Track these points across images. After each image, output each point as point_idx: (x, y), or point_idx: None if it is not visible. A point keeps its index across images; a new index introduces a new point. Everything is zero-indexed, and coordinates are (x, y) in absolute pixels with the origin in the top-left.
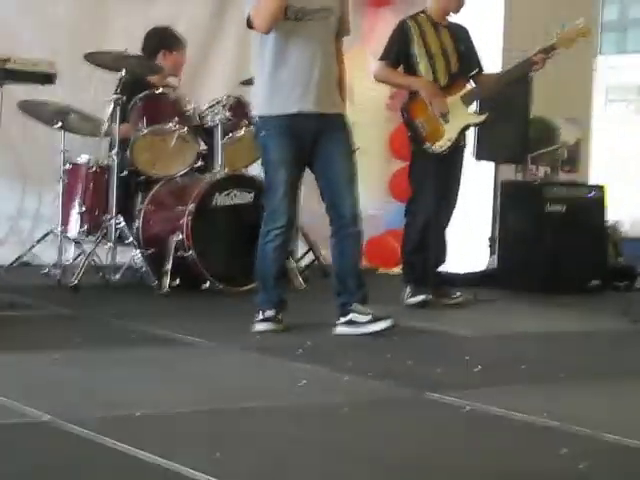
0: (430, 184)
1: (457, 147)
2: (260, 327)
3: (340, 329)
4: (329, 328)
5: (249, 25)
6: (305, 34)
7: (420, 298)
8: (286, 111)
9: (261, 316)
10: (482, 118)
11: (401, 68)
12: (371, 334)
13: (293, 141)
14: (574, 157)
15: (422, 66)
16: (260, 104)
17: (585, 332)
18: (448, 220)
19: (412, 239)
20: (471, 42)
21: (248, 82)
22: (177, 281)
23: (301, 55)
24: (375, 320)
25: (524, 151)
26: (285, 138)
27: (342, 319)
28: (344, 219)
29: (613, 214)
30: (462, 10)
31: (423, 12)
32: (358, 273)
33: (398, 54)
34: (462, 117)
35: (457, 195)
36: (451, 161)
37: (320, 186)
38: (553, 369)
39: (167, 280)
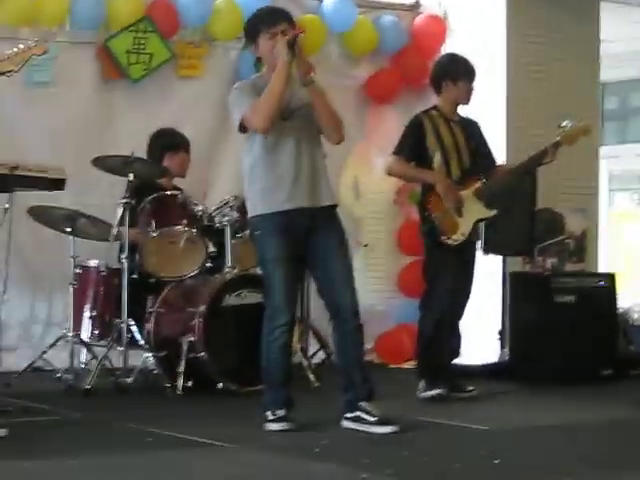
0: (445, 278)
1: (469, 241)
2: (273, 427)
3: (346, 423)
4: None
5: (241, 129)
6: (291, 132)
7: (435, 392)
8: (278, 209)
9: (272, 416)
10: (494, 212)
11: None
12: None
13: (288, 238)
14: (581, 247)
15: (436, 160)
16: (252, 204)
17: (602, 422)
18: (462, 313)
19: (427, 334)
20: (483, 137)
21: None
22: (190, 383)
23: (289, 153)
24: (381, 423)
25: (531, 243)
26: (280, 236)
27: (349, 414)
28: (344, 314)
29: (623, 302)
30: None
31: (435, 108)
32: (363, 367)
33: (412, 148)
34: (475, 211)
35: (470, 288)
36: (464, 255)
37: (317, 282)
38: (572, 462)
39: (181, 382)
